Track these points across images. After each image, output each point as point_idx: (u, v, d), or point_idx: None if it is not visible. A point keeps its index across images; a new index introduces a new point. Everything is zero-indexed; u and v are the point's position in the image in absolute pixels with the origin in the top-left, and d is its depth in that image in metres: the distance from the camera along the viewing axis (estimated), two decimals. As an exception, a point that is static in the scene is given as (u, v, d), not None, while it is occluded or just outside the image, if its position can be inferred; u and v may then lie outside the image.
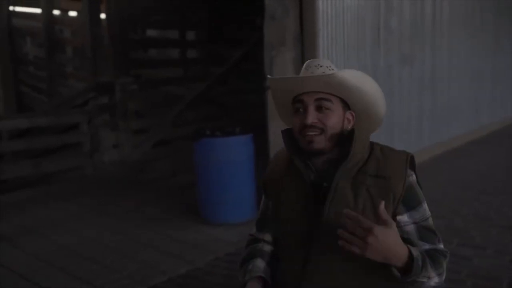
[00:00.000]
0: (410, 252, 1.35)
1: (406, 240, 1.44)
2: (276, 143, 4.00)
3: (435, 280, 1.44)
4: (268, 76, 1.60)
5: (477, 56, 8.19)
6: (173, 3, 8.56)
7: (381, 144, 1.59)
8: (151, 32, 9.72)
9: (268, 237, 1.72)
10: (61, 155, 6.71)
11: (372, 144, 1.57)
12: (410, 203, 1.49)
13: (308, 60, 1.57)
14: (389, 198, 1.46)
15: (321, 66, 1.52)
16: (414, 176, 1.52)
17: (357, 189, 1.49)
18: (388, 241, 1.29)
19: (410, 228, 1.49)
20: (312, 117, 1.48)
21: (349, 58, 4.92)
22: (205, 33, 9.67)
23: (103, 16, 8.02)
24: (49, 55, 8.13)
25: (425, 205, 1.53)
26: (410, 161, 1.52)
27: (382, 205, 1.30)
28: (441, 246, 1.52)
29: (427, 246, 1.48)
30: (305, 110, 1.50)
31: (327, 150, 1.51)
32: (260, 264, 1.64)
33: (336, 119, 1.50)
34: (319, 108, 1.49)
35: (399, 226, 1.47)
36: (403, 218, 1.49)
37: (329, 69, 1.52)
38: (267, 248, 1.70)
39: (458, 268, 3.21)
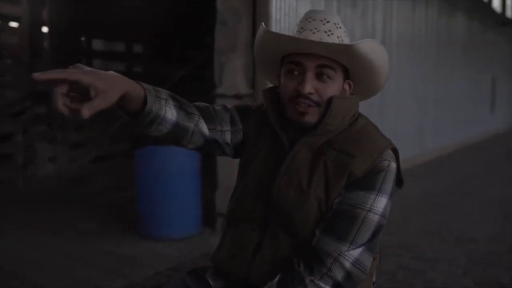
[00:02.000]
0: None
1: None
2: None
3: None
4: (263, 25, 1.30)
5: (421, 84, 8.38)
6: (121, 16, 8.30)
7: (369, 120, 1.38)
8: (97, 43, 9.38)
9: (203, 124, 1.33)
10: (-10, 167, 6.21)
11: (357, 117, 1.35)
12: (360, 183, 1.23)
13: (311, 10, 1.32)
14: (343, 175, 1.24)
15: (327, 22, 1.27)
16: (392, 164, 1.27)
17: (316, 161, 1.28)
18: None
19: (334, 205, 1.24)
20: (310, 86, 1.24)
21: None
22: (152, 49, 9.43)
23: (45, 23, 7.65)
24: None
25: (377, 197, 1.23)
26: (392, 151, 1.30)
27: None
28: (345, 253, 1.20)
29: (317, 235, 1.22)
30: (302, 75, 1.26)
31: (315, 123, 1.28)
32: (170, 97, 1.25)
33: (335, 91, 1.28)
34: (319, 76, 1.26)
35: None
36: (341, 192, 1.25)
37: (337, 27, 1.28)
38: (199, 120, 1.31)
39: (413, 281, 3.12)
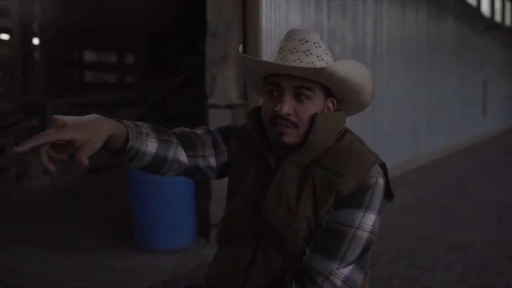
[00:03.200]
0: None
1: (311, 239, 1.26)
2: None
3: None
4: (241, 52, 1.32)
5: (413, 87, 8.43)
6: (112, 25, 8.30)
7: (356, 136, 1.37)
8: (89, 54, 9.38)
9: (182, 153, 1.32)
10: (-17, 181, 6.16)
11: (345, 132, 1.35)
12: (348, 201, 1.24)
13: (291, 29, 1.32)
14: (331, 194, 1.25)
15: (306, 42, 1.27)
16: (380, 180, 1.27)
17: (304, 180, 1.28)
18: None
19: (323, 223, 1.25)
20: (288, 107, 1.24)
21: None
22: (144, 58, 9.43)
23: (37, 35, 7.64)
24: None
25: (365, 214, 1.24)
26: (379, 166, 1.30)
27: None
28: (338, 270, 1.21)
29: (308, 253, 1.24)
30: (280, 95, 1.26)
31: (297, 143, 1.29)
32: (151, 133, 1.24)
33: (314, 111, 1.28)
34: (297, 97, 1.26)
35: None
36: (330, 210, 1.26)
37: (316, 46, 1.28)
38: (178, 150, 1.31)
39: (408, 288, 3.11)
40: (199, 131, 1.41)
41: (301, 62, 1.25)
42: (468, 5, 11.61)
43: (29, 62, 7.26)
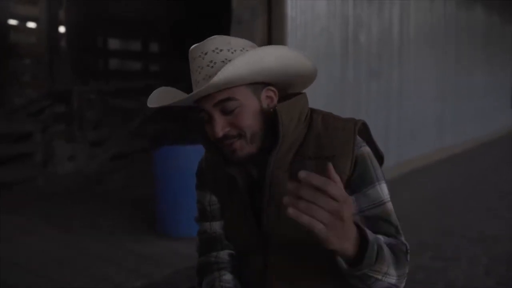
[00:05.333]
0: (362, 234, 0.98)
1: None
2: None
3: (392, 280, 1.07)
4: (150, 105, 1.25)
5: (440, 77, 8.28)
6: (137, 14, 8.35)
7: (323, 111, 1.30)
8: (113, 42, 9.47)
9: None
10: (11, 166, 6.29)
11: (311, 114, 1.27)
12: (357, 183, 1.19)
13: (191, 48, 1.21)
14: None
15: (206, 54, 1.17)
16: (366, 147, 1.22)
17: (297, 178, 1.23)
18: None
19: (355, 217, 1.20)
20: (220, 126, 1.17)
21: (318, 69, 4.80)
22: (168, 46, 9.46)
23: (62, 23, 7.73)
24: (2, 63, 7.73)
25: (380, 186, 1.21)
26: (360, 130, 1.24)
27: (331, 167, 0.91)
28: (401, 238, 1.21)
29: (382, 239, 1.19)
30: (210, 118, 1.19)
31: (256, 150, 1.21)
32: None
33: (251, 114, 1.18)
34: (224, 111, 1.18)
35: None
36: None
37: (217, 52, 1.16)
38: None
39: (434, 280, 3.07)
40: (215, 230, 1.40)
41: (210, 77, 1.15)
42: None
43: (55, 49, 7.36)
